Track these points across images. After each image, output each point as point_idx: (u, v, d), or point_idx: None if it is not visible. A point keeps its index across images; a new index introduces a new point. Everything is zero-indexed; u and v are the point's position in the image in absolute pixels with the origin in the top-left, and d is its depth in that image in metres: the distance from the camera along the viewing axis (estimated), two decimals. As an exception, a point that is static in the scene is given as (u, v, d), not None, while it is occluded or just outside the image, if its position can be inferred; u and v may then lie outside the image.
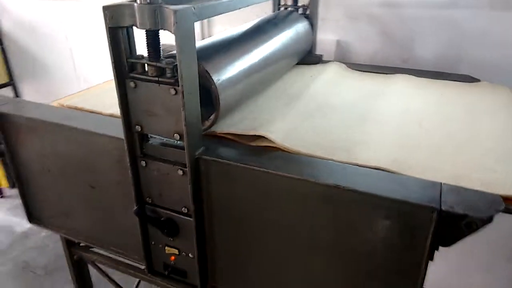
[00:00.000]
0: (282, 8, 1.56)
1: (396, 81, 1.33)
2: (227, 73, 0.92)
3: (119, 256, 1.14)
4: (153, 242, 1.00)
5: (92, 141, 0.98)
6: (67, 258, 1.27)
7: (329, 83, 1.30)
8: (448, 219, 0.69)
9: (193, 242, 0.94)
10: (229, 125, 0.97)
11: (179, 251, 0.97)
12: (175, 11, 0.70)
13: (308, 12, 1.50)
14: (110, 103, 1.13)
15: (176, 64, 0.77)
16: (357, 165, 0.83)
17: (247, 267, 0.95)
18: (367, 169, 0.82)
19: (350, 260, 0.81)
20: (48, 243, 2.33)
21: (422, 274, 0.74)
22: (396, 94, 1.22)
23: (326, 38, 1.67)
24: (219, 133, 0.94)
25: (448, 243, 0.73)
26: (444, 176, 0.80)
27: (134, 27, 0.78)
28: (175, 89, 0.78)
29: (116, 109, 0.89)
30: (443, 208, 0.68)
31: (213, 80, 0.86)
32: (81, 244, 1.29)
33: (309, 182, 0.77)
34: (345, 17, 1.66)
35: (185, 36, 0.74)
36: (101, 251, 1.25)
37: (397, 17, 1.58)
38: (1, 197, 2.71)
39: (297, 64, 1.44)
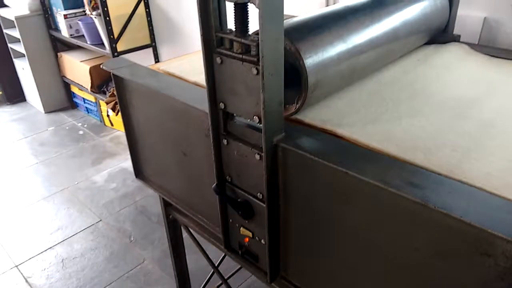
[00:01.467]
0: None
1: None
2: (324, 53, 0.83)
3: (205, 224, 1.17)
4: (231, 220, 1.00)
5: (186, 111, 1.00)
6: (164, 216, 1.37)
7: (438, 69, 1.07)
8: None
9: (265, 228, 0.90)
10: (318, 114, 0.87)
11: (253, 235, 0.95)
12: (260, -19, 0.63)
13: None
14: (199, 71, 1.13)
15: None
16: (460, 181, 0.67)
17: (318, 267, 0.88)
18: (467, 186, 0.65)
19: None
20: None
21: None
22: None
23: (470, 14, 1.39)
24: (302, 121, 0.85)
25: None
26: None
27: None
28: (257, 68, 0.72)
29: (200, 78, 0.87)
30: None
31: (303, 60, 0.78)
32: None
33: (395, 194, 0.64)
34: (500, -13, 1.35)
35: (270, 10, 0.66)
36: (191, 216, 1.32)
37: None
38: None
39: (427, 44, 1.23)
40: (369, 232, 0.73)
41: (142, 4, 2.71)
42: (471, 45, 1.27)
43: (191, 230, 1.32)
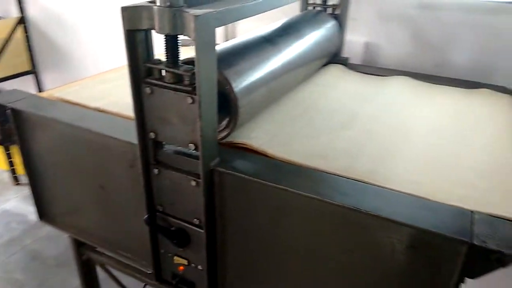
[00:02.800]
0: (310, 7, 1.49)
1: (391, 83, 1.26)
2: (247, 79, 0.88)
3: (127, 260, 1.12)
4: (162, 250, 0.97)
5: (105, 143, 0.95)
6: (76, 257, 1.26)
7: (322, 86, 1.23)
8: (479, 253, 0.63)
9: (203, 254, 0.90)
10: (246, 134, 0.92)
11: (188, 262, 0.94)
12: (196, 16, 0.66)
13: (337, 11, 1.43)
14: (99, 96, 1.11)
15: (195, 72, 0.72)
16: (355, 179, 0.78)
17: (257, 284, 0.91)
18: (385, 189, 0.76)
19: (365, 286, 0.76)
20: (60, 233, 2.35)
21: (447, 309, 0.68)
22: (385, 97, 1.16)
23: (355, 39, 1.60)
24: (234, 143, 0.89)
25: (475, 275, 0.67)
26: (424, 191, 0.75)
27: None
28: (192, 97, 0.73)
29: (103, 103, 0.93)
30: (475, 242, 0.62)
31: (232, 88, 0.82)
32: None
33: (325, 202, 0.72)
34: (377, 17, 1.58)
35: (205, 43, 0.69)
36: (110, 253, 1.24)
37: (434, 20, 1.49)
38: (17, 184, 2.74)
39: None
40: (305, 241, 0.79)
41: (20, 28, 2.47)
42: (354, 65, 1.46)
43: (109, 268, 1.24)
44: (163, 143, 0.86)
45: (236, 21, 0.79)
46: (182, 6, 0.69)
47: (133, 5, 0.71)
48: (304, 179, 0.78)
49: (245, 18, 0.79)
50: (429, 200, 0.74)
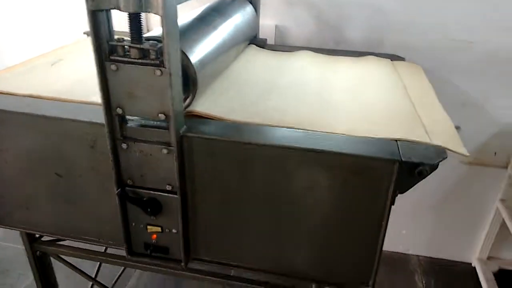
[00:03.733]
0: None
1: (296, 56, 1.50)
2: (199, 55, 0.98)
3: (91, 244, 1.14)
4: (133, 224, 1.03)
5: (62, 128, 0.97)
6: (29, 254, 1.22)
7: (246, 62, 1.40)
8: (406, 168, 0.83)
9: (176, 218, 0.98)
10: (202, 104, 1.02)
11: (161, 229, 1.01)
12: (162, -5, 0.74)
13: (251, -3, 1.58)
14: (27, 85, 1.11)
15: (160, 46, 0.81)
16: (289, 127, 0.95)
17: (228, 237, 1.02)
18: (326, 133, 0.93)
19: (326, 216, 0.93)
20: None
21: (386, 216, 0.89)
22: (297, 69, 1.37)
23: (266, 23, 1.77)
24: (195, 113, 0.98)
25: (404, 190, 0.88)
26: (342, 129, 0.95)
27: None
28: (160, 70, 0.81)
29: (34, 90, 0.99)
30: (403, 159, 0.82)
31: (191, 62, 0.91)
32: (42, 239, 1.24)
33: (285, 147, 0.86)
34: (282, 2, 1.77)
35: (171, 18, 0.78)
36: (66, 243, 1.24)
37: (330, 2, 1.73)
38: None
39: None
40: (268, 188, 0.93)
41: None
42: (269, 45, 1.64)
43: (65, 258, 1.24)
44: (127, 118, 0.92)
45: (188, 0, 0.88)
46: (144, -14, 0.76)
47: (97, -14, 0.76)
48: (259, 134, 0.92)
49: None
50: (360, 136, 0.93)
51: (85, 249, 1.20)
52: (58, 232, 1.15)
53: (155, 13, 0.76)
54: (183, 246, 1.01)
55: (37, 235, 1.24)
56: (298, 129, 0.94)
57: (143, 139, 0.91)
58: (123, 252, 1.08)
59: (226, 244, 1.03)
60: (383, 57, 1.54)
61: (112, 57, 0.83)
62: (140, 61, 0.82)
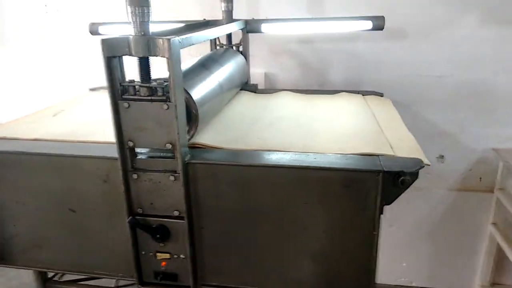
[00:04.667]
0: (218, 47, 1.79)
1: (278, 96, 1.65)
2: (199, 94, 1.10)
3: (103, 277, 1.18)
4: (143, 252, 1.09)
5: (77, 165, 1.06)
6: (40, 295, 1.26)
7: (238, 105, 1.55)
8: (390, 179, 0.93)
9: (184, 243, 1.05)
10: (203, 137, 1.13)
11: (170, 255, 1.08)
12: (168, 40, 0.88)
13: (241, 49, 1.75)
14: (32, 131, 1.23)
15: (166, 84, 0.93)
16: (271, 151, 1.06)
17: (233, 259, 1.09)
18: (316, 153, 1.04)
19: (322, 229, 1.01)
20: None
21: (377, 225, 0.97)
22: (280, 106, 1.53)
23: (256, 71, 1.94)
24: (198, 144, 1.09)
25: (390, 200, 0.97)
26: (318, 149, 1.06)
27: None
28: (167, 104, 0.93)
29: (39, 135, 1.13)
30: (385, 169, 0.92)
31: (192, 98, 1.03)
32: (54, 278, 1.28)
33: (281, 167, 0.97)
34: (269, 53, 1.96)
35: (175, 60, 0.91)
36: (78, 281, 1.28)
37: (312, 50, 1.92)
38: None
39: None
40: (269, 206, 1.01)
41: None
42: (260, 90, 1.79)
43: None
44: (137, 151, 1.02)
45: (191, 45, 1.02)
46: (152, 35, 0.90)
47: (111, 37, 0.90)
48: (255, 157, 1.02)
49: (197, 43, 1.04)
50: (344, 154, 1.03)
51: (96, 285, 1.24)
52: (71, 269, 1.20)
53: (161, 56, 0.90)
54: (191, 270, 1.07)
55: (49, 275, 1.28)
56: (287, 151, 1.05)
57: (152, 168, 1.01)
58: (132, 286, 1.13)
59: (232, 266, 1.10)
60: (364, 94, 1.69)
61: (124, 96, 0.95)
62: (149, 97, 0.94)
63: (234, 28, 1.56)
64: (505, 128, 1.88)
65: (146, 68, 0.95)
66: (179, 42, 0.92)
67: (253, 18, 1.69)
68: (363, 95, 1.68)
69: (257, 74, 1.95)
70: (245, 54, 1.74)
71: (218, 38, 1.74)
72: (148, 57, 0.94)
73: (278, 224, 1.03)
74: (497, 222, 2.02)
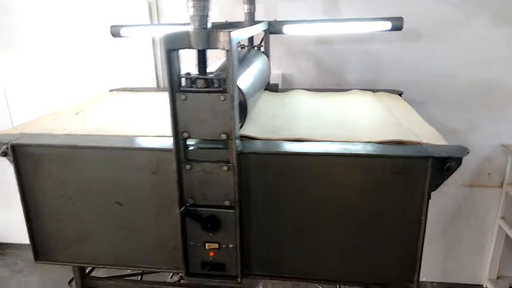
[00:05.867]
0: (239, 48, 1.83)
1: (292, 93, 1.71)
2: (245, 87, 1.14)
3: (146, 269, 1.20)
4: (191, 243, 1.11)
5: (127, 157, 1.08)
6: (80, 291, 1.26)
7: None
8: (437, 164, 0.98)
9: (233, 233, 1.08)
10: (247, 130, 1.16)
11: (219, 245, 1.10)
12: (229, 33, 0.91)
13: (262, 50, 1.79)
14: (62, 127, 1.25)
15: (222, 77, 0.97)
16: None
17: (279, 248, 1.11)
18: (357, 142, 1.08)
19: (370, 216, 1.05)
20: None
21: (425, 210, 1.01)
22: (292, 99, 1.59)
23: (273, 72, 1.98)
24: (246, 135, 1.12)
25: (435, 187, 1.02)
26: (350, 138, 1.11)
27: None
28: (224, 96, 0.96)
29: (67, 131, 1.17)
30: (435, 155, 0.97)
31: (242, 91, 1.07)
32: (91, 274, 1.29)
33: (333, 156, 1.00)
34: (286, 54, 2.01)
35: (234, 52, 0.94)
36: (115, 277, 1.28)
37: (329, 51, 1.98)
38: None
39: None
40: (317, 195, 1.05)
41: None
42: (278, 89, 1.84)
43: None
44: (188, 143, 1.05)
45: (241, 40, 1.05)
46: (211, 28, 0.94)
47: (173, 32, 0.93)
48: (302, 147, 1.06)
49: (241, 40, 1.07)
50: (379, 141, 1.07)
51: (134, 280, 1.25)
52: (114, 263, 1.20)
53: (221, 49, 0.93)
54: (240, 260, 1.10)
55: (88, 269, 1.28)
56: (326, 140, 1.09)
57: (205, 159, 1.04)
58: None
59: (277, 256, 1.12)
60: (382, 93, 1.75)
61: (181, 88, 0.98)
62: (206, 89, 0.97)
63: (261, 28, 1.60)
64: (514, 124, 1.97)
65: (204, 61, 0.98)
66: (235, 35, 0.96)
67: (275, 20, 1.74)
68: (375, 92, 1.74)
69: (274, 75, 1.99)
70: (266, 54, 1.79)
71: (240, 39, 1.78)
72: (205, 50, 0.97)
73: (326, 213, 1.06)
74: (505, 216, 2.09)
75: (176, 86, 0.98)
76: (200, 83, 0.98)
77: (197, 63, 0.98)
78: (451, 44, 1.89)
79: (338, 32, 1.73)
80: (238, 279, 1.12)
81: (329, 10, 1.92)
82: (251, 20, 1.73)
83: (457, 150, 1.01)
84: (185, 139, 1.02)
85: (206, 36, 0.93)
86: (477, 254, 2.24)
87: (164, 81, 2.12)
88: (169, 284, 1.24)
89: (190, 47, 0.95)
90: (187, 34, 0.94)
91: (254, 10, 1.72)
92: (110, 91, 1.90)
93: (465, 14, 1.84)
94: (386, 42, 1.93)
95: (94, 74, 2.16)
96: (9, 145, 1.10)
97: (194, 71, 1.00)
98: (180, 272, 1.16)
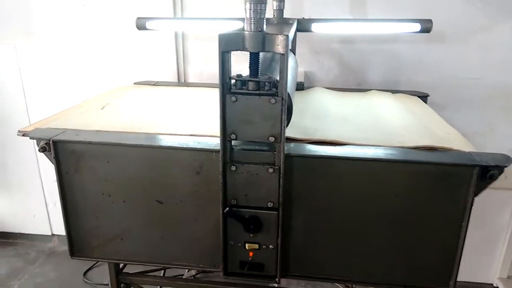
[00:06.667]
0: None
1: (315, 90, 1.75)
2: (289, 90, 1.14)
3: (184, 267, 1.20)
4: (231, 242, 1.12)
5: (172, 156, 1.08)
6: (113, 287, 1.26)
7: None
8: (482, 172, 0.99)
9: (273, 234, 1.09)
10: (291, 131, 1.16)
11: (259, 246, 1.11)
12: (287, 36, 0.91)
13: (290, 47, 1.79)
14: (89, 123, 1.24)
15: (274, 79, 0.97)
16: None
17: (318, 250, 1.13)
18: (398, 147, 1.09)
19: (412, 221, 1.06)
20: None
21: (467, 217, 1.03)
22: (315, 97, 1.62)
23: (299, 70, 1.98)
24: (293, 138, 1.13)
25: (477, 193, 1.04)
26: (380, 141, 1.11)
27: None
28: (275, 98, 0.96)
29: (98, 126, 1.17)
30: (483, 164, 0.98)
31: (289, 95, 1.07)
32: (124, 271, 1.29)
33: (379, 161, 1.01)
34: (310, 52, 2.00)
35: (287, 56, 0.94)
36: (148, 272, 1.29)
37: (352, 50, 1.98)
38: None
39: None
40: (359, 199, 1.06)
41: None
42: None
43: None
44: (234, 145, 1.05)
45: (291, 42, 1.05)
46: (265, 31, 0.94)
47: (229, 32, 0.93)
48: (344, 151, 1.06)
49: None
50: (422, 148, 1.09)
51: (169, 276, 1.26)
52: (150, 260, 1.21)
53: (276, 52, 0.93)
54: (280, 260, 1.11)
55: (121, 265, 1.29)
56: (371, 145, 1.10)
57: (250, 161, 1.04)
58: (208, 278, 1.16)
59: (316, 257, 1.14)
60: (408, 94, 1.76)
61: (233, 90, 0.98)
62: (257, 92, 0.97)
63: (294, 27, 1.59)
64: (532, 128, 1.99)
65: (256, 63, 0.97)
66: (288, 39, 0.95)
67: (303, 18, 1.73)
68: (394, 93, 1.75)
69: (300, 72, 1.98)
70: (294, 52, 1.78)
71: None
72: (258, 53, 0.97)
73: (367, 217, 1.07)
74: (519, 218, 2.12)
75: (227, 88, 0.97)
76: (251, 85, 0.98)
77: (249, 65, 0.98)
78: (474, 47, 1.90)
79: (366, 32, 1.73)
80: (277, 279, 1.13)
81: (355, 8, 1.91)
82: (280, 17, 1.72)
83: (502, 158, 1.02)
84: (231, 140, 1.02)
85: (262, 39, 0.93)
86: (488, 254, 2.28)
87: (185, 76, 2.11)
88: (197, 281, 1.24)
89: (244, 49, 0.94)
90: (242, 36, 0.93)
91: (283, 7, 1.71)
92: (134, 83, 1.89)
93: (489, 19, 1.85)
94: (410, 43, 1.93)
95: (115, 66, 2.13)
96: (51, 141, 1.09)
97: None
98: (218, 271, 1.17)
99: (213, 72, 2.04)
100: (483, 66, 1.93)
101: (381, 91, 1.76)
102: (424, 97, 1.75)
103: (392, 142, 1.11)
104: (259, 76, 0.98)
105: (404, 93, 1.78)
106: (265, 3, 0.93)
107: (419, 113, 1.45)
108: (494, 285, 2.29)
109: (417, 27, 1.66)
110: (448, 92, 1.97)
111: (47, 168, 1.12)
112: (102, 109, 1.45)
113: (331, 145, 1.10)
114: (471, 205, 1.03)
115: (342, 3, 1.91)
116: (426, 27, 1.65)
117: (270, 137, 1.00)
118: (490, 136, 2.04)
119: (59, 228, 2.52)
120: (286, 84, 0.96)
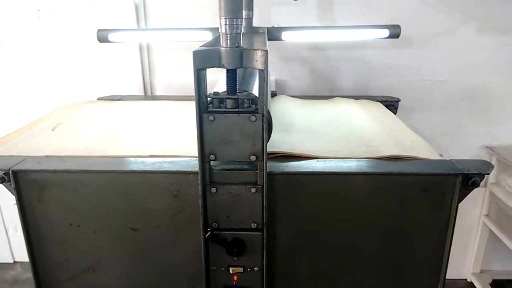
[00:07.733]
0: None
1: (274, 102, 1.72)
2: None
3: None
4: (213, 268, 1.06)
5: (146, 181, 1.01)
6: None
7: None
8: (464, 180, 0.99)
9: (258, 255, 1.04)
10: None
11: (243, 269, 1.06)
12: (266, 52, 0.87)
13: (259, 56, 1.75)
14: (40, 147, 1.16)
15: (253, 96, 0.92)
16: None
17: (304, 268, 1.09)
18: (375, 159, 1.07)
19: (399, 232, 1.05)
20: None
21: (452, 225, 1.02)
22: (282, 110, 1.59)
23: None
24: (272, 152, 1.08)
25: (459, 201, 1.03)
26: (344, 153, 1.11)
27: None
28: (255, 116, 0.92)
29: (49, 151, 1.10)
30: (465, 172, 0.98)
31: (268, 110, 1.03)
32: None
33: (364, 174, 0.99)
34: (280, 60, 1.98)
35: (266, 72, 0.90)
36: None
37: (323, 57, 1.97)
38: None
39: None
40: (346, 215, 1.03)
41: None
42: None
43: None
44: (212, 165, 0.99)
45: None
46: (242, 46, 0.89)
47: (204, 49, 0.87)
48: (330, 165, 1.03)
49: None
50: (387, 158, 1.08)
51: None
52: (126, 292, 1.13)
53: (254, 68, 0.89)
54: (266, 282, 1.06)
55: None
56: (345, 158, 1.08)
57: (231, 181, 0.99)
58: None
59: (304, 276, 1.10)
60: (378, 100, 1.76)
61: (210, 109, 0.92)
62: (237, 109, 0.92)
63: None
64: (498, 127, 2.05)
65: (234, 80, 0.92)
66: (267, 54, 0.91)
67: (273, 26, 1.70)
68: (378, 100, 1.75)
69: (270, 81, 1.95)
70: (263, 61, 1.74)
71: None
72: (236, 69, 0.92)
73: (353, 233, 1.05)
74: (489, 214, 2.19)
75: (203, 107, 0.92)
76: (229, 103, 0.93)
77: (226, 82, 0.93)
78: (440, 50, 1.94)
79: (336, 39, 1.72)
80: (264, 302, 1.08)
81: (323, 15, 1.90)
82: (249, 26, 1.68)
83: (483, 165, 1.03)
84: (210, 161, 0.97)
85: (239, 55, 0.88)
86: (461, 250, 2.33)
87: (152, 88, 2.03)
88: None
89: (221, 66, 0.89)
90: (218, 52, 0.88)
91: (252, 16, 1.67)
92: (98, 99, 1.79)
93: (454, 22, 1.89)
94: (379, 49, 1.94)
95: (77, 81, 2.01)
96: (10, 171, 0.99)
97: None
98: (200, 298, 1.11)
99: (181, 83, 1.98)
100: (450, 69, 1.97)
101: (344, 98, 1.76)
102: (395, 102, 1.76)
103: (364, 153, 1.10)
104: (237, 93, 0.93)
105: (376, 98, 1.78)
106: (242, 18, 0.88)
107: (384, 120, 1.45)
108: (468, 280, 2.34)
109: (386, 33, 1.66)
110: (417, 95, 2.00)
111: (3, 191, 1.02)
112: (53, 130, 1.34)
113: (306, 159, 1.07)
114: (456, 213, 1.02)
115: (309, 10, 1.90)
116: (395, 32, 1.66)
117: (252, 156, 0.95)
118: (458, 136, 2.09)
119: (22, 255, 2.35)
120: (267, 100, 0.92)
